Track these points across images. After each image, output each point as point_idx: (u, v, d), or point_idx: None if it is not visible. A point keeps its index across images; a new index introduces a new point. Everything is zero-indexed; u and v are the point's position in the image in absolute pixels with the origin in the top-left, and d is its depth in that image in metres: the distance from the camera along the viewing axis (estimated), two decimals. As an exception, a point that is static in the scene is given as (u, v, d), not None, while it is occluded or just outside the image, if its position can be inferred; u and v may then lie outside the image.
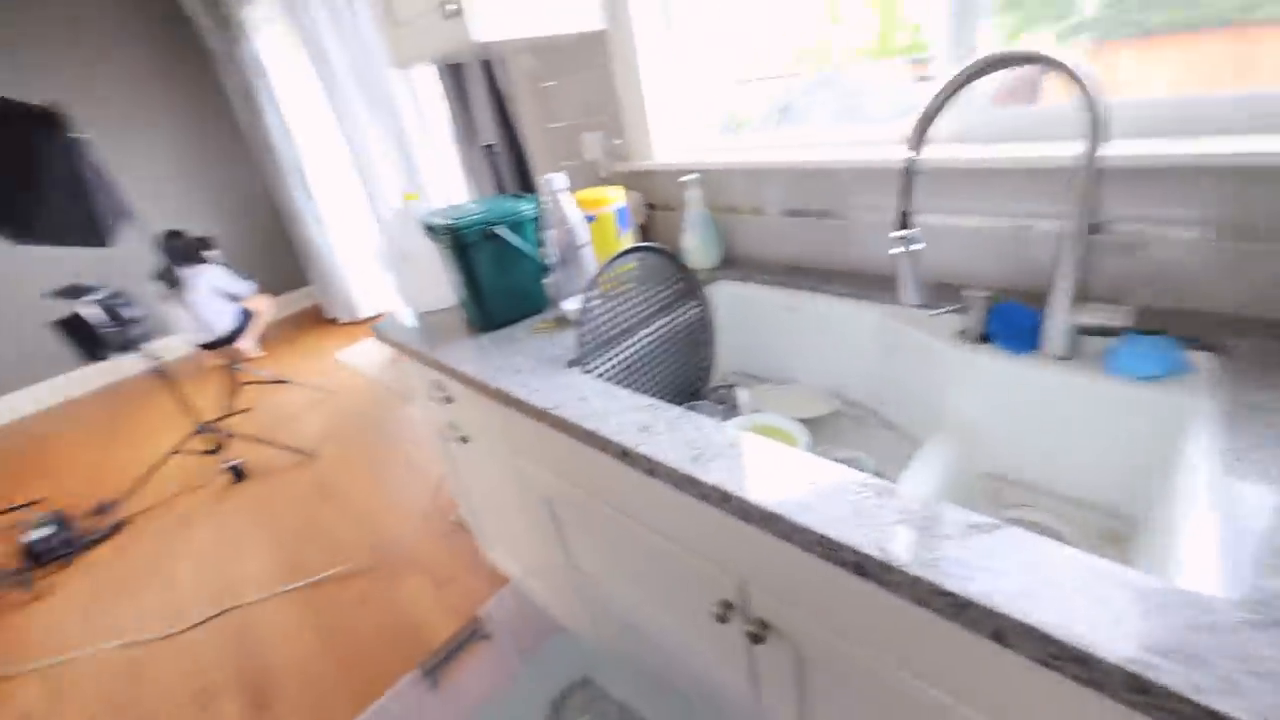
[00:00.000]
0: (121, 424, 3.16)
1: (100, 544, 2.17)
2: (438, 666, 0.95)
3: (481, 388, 0.94)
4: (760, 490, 0.59)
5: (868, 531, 0.52)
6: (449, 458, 1.38)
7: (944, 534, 0.50)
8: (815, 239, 1.14)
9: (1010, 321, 0.79)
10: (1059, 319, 0.75)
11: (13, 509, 2.48)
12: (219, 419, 2.54)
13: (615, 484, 0.82)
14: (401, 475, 2.21)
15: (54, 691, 1.60)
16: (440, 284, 1.22)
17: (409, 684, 0.93)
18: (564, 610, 1.14)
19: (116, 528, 2.24)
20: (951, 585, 0.46)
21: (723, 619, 0.73)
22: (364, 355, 3.46)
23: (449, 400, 1.18)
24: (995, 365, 0.81)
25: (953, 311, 0.88)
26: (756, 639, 0.70)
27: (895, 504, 0.54)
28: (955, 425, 0.86)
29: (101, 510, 2.33)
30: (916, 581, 0.47)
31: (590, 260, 1.10)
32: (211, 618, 1.72)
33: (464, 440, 1.21)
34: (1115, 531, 0.75)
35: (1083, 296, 0.74)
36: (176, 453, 2.49)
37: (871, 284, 1.03)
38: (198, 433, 2.45)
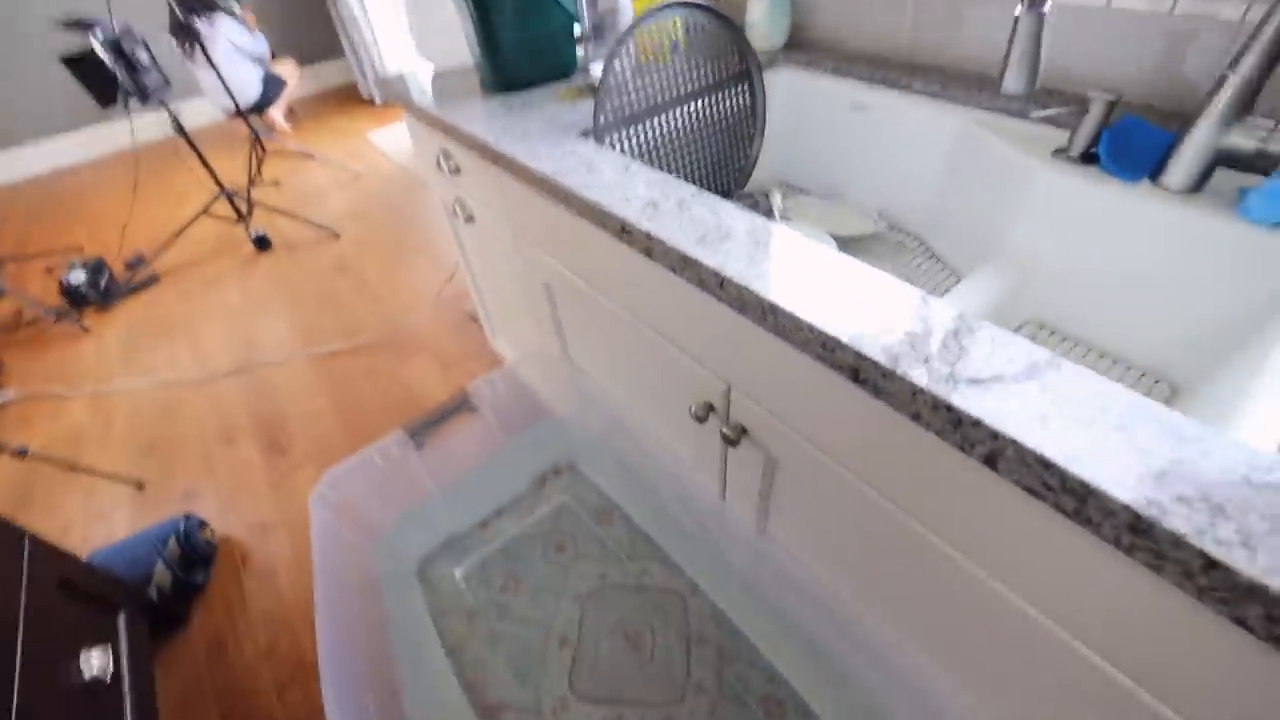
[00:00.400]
0: (151, 184, 3.15)
1: (136, 293, 2.26)
2: (424, 429, 0.97)
3: (484, 151, 0.84)
4: (763, 280, 0.51)
5: (875, 335, 0.45)
6: (457, 238, 1.32)
7: (964, 350, 0.43)
8: (914, 21, 0.92)
9: (1129, 140, 0.64)
10: (1201, 138, 0.59)
11: (53, 253, 2.57)
12: (245, 187, 2.50)
13: (614, 270, 0.75)
14: (419, 262, 2.19)
15: (102, 415, 1.76)
16: (459, 37, 1.06)
17: (395, 441, 0.96)
18: (555, 399, 1.15)
19: (150, 280, 2.31)
20: (957, 401, 0.39)
21: (702, 419, 0.70)
22: (395, 139, 3.30)
23: (457, 171, 1.08)
24: (1092, 191, 0.67)
25: (1054, 116, 0.72)
26: (731, 442, 0.67)
27: (914, 311, 0.46)
28: (1011, 260, 0.74)
29: (134, 264, 2.40)
30: (916, 394, 0.41)
31: (629, 16, 0.93)
32: (236, 371, 1.82)
33: (470, 220, 1.14)
34: (1167, 400, 0.67)
35: (1243, 108, 0.57)
36: (204, 214, 2.49)
37: (968, 85, 0.84)
38: (221, 197, 2.42)
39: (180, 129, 2.18)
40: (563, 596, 1.12)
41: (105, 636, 1.03)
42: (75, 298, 2.18)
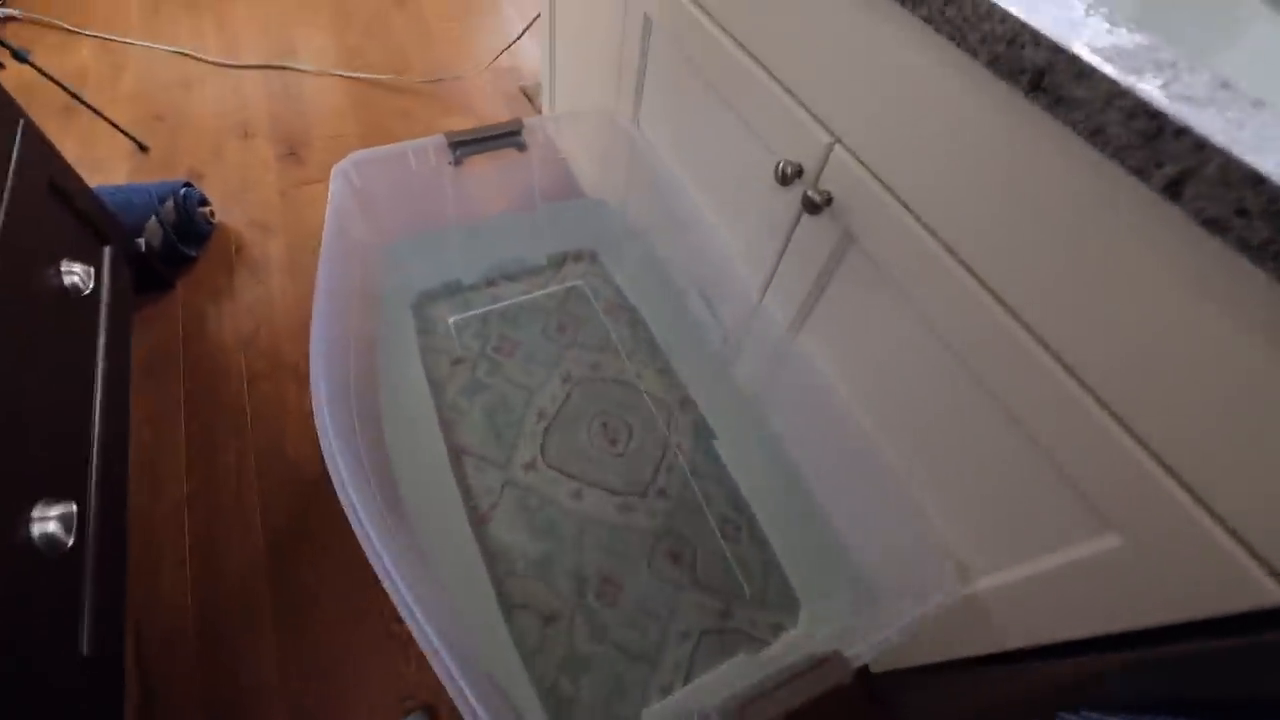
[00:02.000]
0: None
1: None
2: (467, 144, 0.89)
3: None
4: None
5: (1078, 28, 0.37)
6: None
7: (1180, 72, 0.36)
8: None
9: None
10: None
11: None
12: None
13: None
14: (486, 21, 1.98)
15: (111, 63, 1.63)
16: None
17: (433, 145, 0.88)
18: (600, 175, 1.07)
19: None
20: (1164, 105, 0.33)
21: (786, 181, 0.63)
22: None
23: None
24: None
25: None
26: (814, 208, 0.61)
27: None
28: None
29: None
30: (1115, 98, 0.34)
31: None
32: (264, 65, 1.67)
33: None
34: None
35: None
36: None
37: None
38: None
39: None
40: (553, 373, 1.10)
41: (90, 260, 0.99)
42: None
